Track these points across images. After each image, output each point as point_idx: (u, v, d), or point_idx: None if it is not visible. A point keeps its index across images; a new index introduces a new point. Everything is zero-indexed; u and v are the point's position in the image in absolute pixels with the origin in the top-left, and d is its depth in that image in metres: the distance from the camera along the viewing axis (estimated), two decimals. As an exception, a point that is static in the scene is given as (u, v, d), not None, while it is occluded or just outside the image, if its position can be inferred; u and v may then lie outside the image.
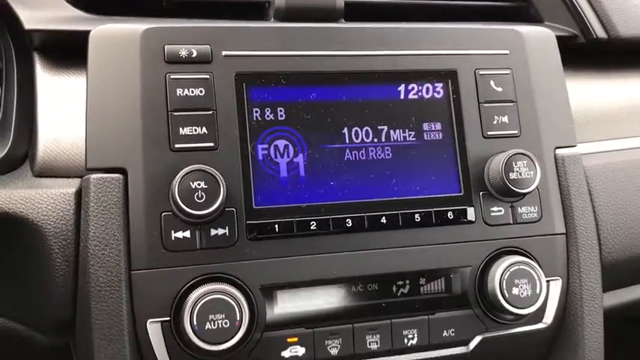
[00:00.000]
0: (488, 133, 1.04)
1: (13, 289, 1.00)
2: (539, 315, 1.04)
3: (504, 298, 0.97)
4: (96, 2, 1.06)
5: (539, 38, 1.12)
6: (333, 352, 0.96)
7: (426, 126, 1.02)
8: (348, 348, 0.96)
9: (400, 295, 0.99)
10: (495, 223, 1.02)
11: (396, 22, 1.08)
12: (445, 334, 1.00)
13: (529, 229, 1.03)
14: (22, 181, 0.95)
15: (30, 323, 1.02)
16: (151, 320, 0.90)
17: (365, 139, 1.00)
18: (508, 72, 1.07)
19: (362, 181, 0.98)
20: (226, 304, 0.87)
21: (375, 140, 1.00)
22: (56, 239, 0.91)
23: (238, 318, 0.87)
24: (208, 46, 0.96)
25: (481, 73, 1.05)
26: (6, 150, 0.97)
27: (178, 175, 0.88)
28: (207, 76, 0.95)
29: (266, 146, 0.96)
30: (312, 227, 0.95)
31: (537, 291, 0.98)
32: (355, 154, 0.99)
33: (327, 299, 0.96)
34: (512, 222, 1.03)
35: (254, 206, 0.93)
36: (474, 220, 1.01)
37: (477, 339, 1.01)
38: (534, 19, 1.29)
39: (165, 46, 0.94)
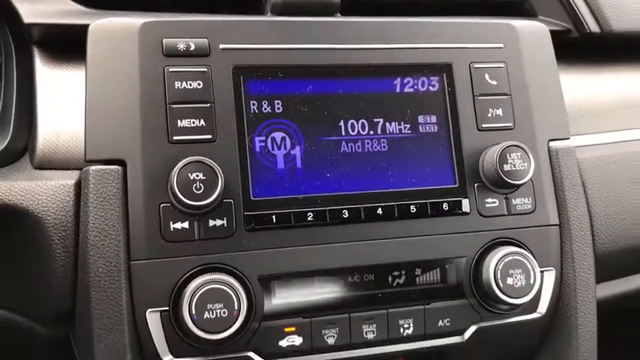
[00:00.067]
0: (483, 125, 1.05)
1: (13, 281, 1.00)
2: (533, 305, 1.05)
3: (499, 288, 0.99)
4: (95, -4, 1.07)
5: (533, 32, 1.13)
6: (330, 341, 0.97)
7: (421, 119, 1.03)
8: (344, 337, 0.98)
9: (396, 286, 1.00)
10: (490, 215, 1.03)
11: (392, 16, 1.09)
12: (440, 323, 1.01)
13: (523, 220, 1.05)
14: (22, 173, 0.96)
15: (30, 315, 1.03)
16: (150, 310, 0.91)
17: (361, 132, 1.01)
18: (502, 65, 1.08)
19: (358, 173, 0.99)
20: (224, 293, 0.88)
21: (371, 133, 1.01)
22: (56, 230, 0.92)
23: (236, 307, 0.89)
24: (206, 39, 0.97)
25: (476, 66, 1.06)
26: (6, 143, 0.98)
27: (177, 167, 0.89)
28: (205, 69, 0.96)
29: (263, 138, 0.97)
30: (309, 218, 0.96)
31: (531, 281, 1.00)
32: (351, 146, 1.00)
33: (324, 289, 0.97)
34: (506, 213, 1.04)
35: (252, 197, 0.94)
36: (468, 211, 1.02)
37: (472, 328, 1.03)
38: (528, 13, 1.30)
39: (164, 40, 0.95)
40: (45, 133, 0.97)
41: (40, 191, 0.92)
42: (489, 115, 1.06)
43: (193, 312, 0.87)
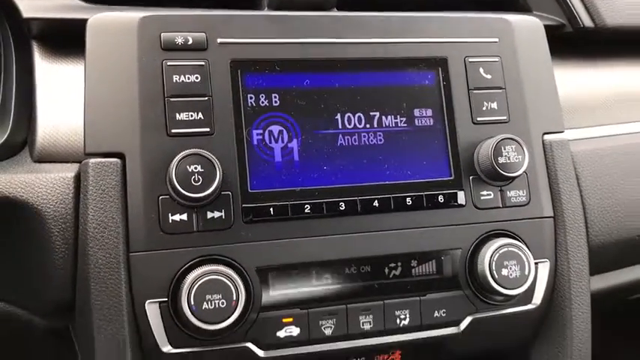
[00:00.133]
0: (478, 119, 1.06)
1: (13, 274, 1.01)
2: (528, 296, 1.06)
3: (494, 279, 1.00)
4: (93, -9, 1.08)
5: (527, 27, 1.14)
6: (327, 332, 0.98)
7: (417, 112, 1.04)
8: (341, 328, 0.99)
9: (392, 277, 1.01)
10: (485, 207, 1.04)
11: (388, 11, 1.10)
12: (436, 314, 1.02)
13: (518, 212, 1.06)
14: (22, 166, 0.96)
15: (30, 307, 1.04)
16: (149, 301, 0.91)
17: (357, 125, 1.02)
18: (497, 59, 1.09)
19: (355, 165, 1.00)
20: (223, 284, 0.89)
21: (368, 126, 1.02)
22: (56, 222, 0.93)
23: (235, 298, 0.89)
24: (204, 33, 0.98)
25: (471, 60, 1.08)
26: (5, 136, 0.99)
27: (175, 159, 0.89)
28: (203, 63, 0.97)
29: (261, 131, 0.98)
30: (306, 210, 0.97)
31: (526, 272, 1.01)
32: (348, 139, 1.01)
33: (321, 281, 0.98)
34: (501, 205, 1.05)
35: (249, 190, 0.95)
36: (464, 203, 1.03)
37: (468, 319, 1.04)
38: (523, 8, 1.31)
39: (162, 34, 0.96)
40: (44, 126, 0.98)
41: (40, 184, 0.93)
42: (484, 108, 1.07)
43: (192, 303, 0.88)
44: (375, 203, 1.00)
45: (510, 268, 1.00)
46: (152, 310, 0.92)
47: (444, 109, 1.05)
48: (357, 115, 1.02)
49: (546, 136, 1.11)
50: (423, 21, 1.08)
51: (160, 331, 0.92)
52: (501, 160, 1.01)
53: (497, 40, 1.10)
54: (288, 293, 0.97)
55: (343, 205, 0.98)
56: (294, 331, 0.97)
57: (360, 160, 1.01)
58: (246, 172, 0.96)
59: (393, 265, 1.01)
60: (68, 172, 0.95)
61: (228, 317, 0.89)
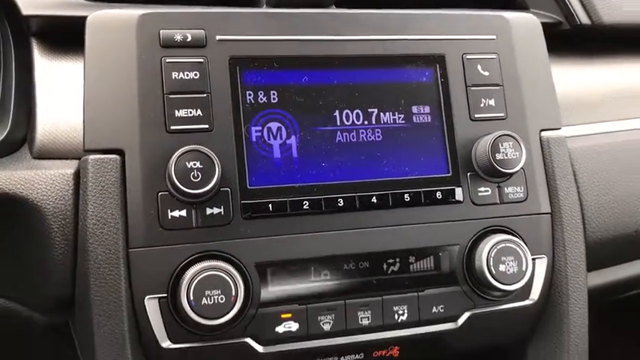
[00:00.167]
0: (476, 115, 1.07)
1: (13, 270, 1.02)
2: (525, 292, 1.07)
3: (491, 275, 1.00)
4: (93, -12, 1.08)
5: (524, 24, 1.15)
6: (326, 327, 0.99)
7: (415, 109, 1.05)
8: (340, 324, 0.99)
9: (390, 273, 1.02)
10: (482, 203, 1.05)
11: (386, 8, 1.11)
12: (434, 310, 1.03)
13: (515, 208, 1.06)
14: (22, 163, 0.97)
15: (30, 303, 1.04)
16: (148, 297, 0.92)
17: (356, 122, 1.02)
18: (494, 56, 1.10)
19: (353, 162, 1.01)
20: (222, 280, 0.90)
21: (366, 123, 1.03)
22: (55, 219, 0.93)
23: (234, 293, 0.90)
24: (203, 30, 0.98)
25: (468, 57, 1.08)
26: (5, 133, 0.99)
27: (175, 155, 0.90)
28: (202, 60, 0.97)
29: (259, 128, 0.98)
30: (304, 207, 0.97)
31: (523, 268, 1.01)
32: (346, 136, 1.01)
33: (319, 276, 0.99)
34: (498, 202, 1.05)
35: (248, 186, 0.96)
36: (461, 200, 1.04)
37: (466, 315, 1.04)
38: (520, 6, 1.32)
39: (161, 31, 0.97)
40: (44, 123, 0.99)
41: (40, 180, 0.93)
42: (482, 105, 1.07)
43: (191, 298, 0.89)
44: (374, 199, 1.00)
45: (508, 264, 1.01)
46: (151, 306, 0.92)
47: (442, 105, 1.05)
48: (355, 112, 1.02)
49: (544, 133, 1.11)
50: (421, 18, 1.08)
51: (159, 326, 0.93)
52: (499, 156, 1.02)
53: (494, 37, 1.11)
54: (287, 289, 0.97)
55: (342, 202, 0.99)
56: (293, 326, 0.98)
57: (358, 157, 1.01)
58: (245, 169, 0.96)
59: (391, 260, 1.02)
60: (68, 168, 0.95)
61: (228, 312, 0.89)
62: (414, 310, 1.02)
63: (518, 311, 1.08)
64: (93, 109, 0.94)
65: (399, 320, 1.02)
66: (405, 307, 1.02)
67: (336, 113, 1.01)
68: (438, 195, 1.03)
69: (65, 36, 1.03)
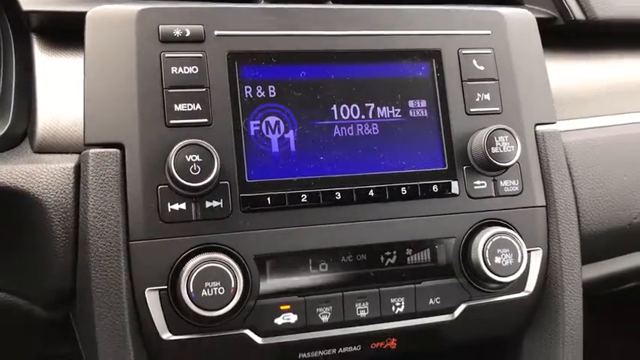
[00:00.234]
0: (471, 110, 1.08)
1: (14, 264, 1.03)
2: (521, 284, 1.08)
3: (487, 267, 1.01)
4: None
5: (519, 20, 1.16)
6: (324, 319, 1.00)
7: (411, 103, 1.06)
8: (338, 315, 1.00)
9: (388, 265, 1.03)
10: (478, 196, 1.06)
11: (383, 4, 1.12)
12: (431, 302, 1.04)
13: (510, 201, 1.08)
14: (22, 157, 0.98)
15: (30, 297, 1.05)
16: (149, 289, 0.93)
17: (353, 116, 1.03)
18: (490, 51, 1.11)
19: (350, 156, 1.02)
20: (221, 272, 0.91)
21: (363, 117, 1.04)
22: (56, 212, 0.94)
23: (233, 285, 0.91)
24: (201, 26, 0.99)
25: (464, 52, 1.09)
26: (6, 128, 1.00)
27: (174, 149, 0.91)
28: (201, 55, 0.98)
29: (258, 122, 0.99)
30: (302, 200, 0.98)
31: (519, 260, 1.02)
32: (344, 130, 1.03)
33: (317, 269, 1.00)
34: (494, 195, 1.07)
35: (247, 180, 0.97)
36: (457, 193, 1.05)
37: (462, 307, 1.05)
38: (515, 1, 1.33)
39: (160, 26, 0.97)
40: (44, 118, 0.99)
41: (41, 174, 0.94)
42: (477, 99, 1.08)
43: (191, 290, 0.90)
44: (371, 193, 1.01)
45: (503, 256, 1.02)
46: (152, 298, 0.93)
47: (438, 100, 1.07)
48: (352, 107, 1.03)
49: (538, 127, 1.13)
50: (417, 14, 1.09)
51: (159, 318, 0.94)
52: (494, 150, 1.03)
53: (489, 32, 1.12)
54: (286, 281, 0.98)
55: (339, 195, 1.00)
56: (292, 318, 0.99)
57: (355, 151, 1.02)
58: (244, 163, 0.97)
59: (388, 253, 1.03)
60: (68, 162, 0.96)
61: (227, 304, 0.90)
62: (411, 302, 1.03)
63: (513, 303, 1.09)
64: (93, 103, 0.95)
65: (396, 312, 1.03)
66: (402, 298, 1.03)
67: (334, 108, 1.02)
68: (435, 188, 1.04)
69: (65, 31, 1.04)
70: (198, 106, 0.96)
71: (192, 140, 0.92)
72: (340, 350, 1.04)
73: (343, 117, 1.03)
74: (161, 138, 0.94)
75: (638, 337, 1.84)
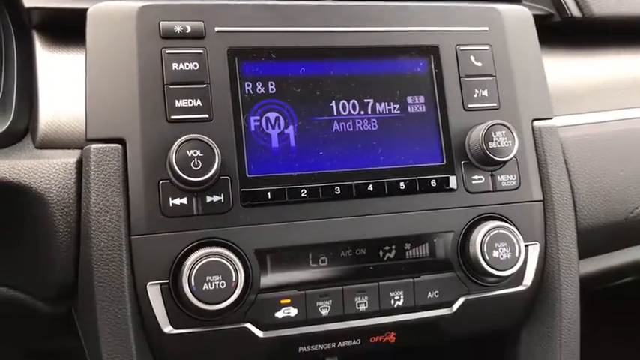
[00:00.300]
0: (469, 105, 1.09)
1: (16, 258, 1.03)
2: (518, 278, 1.09)
3: (485, 261, 1.02)
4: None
5: (517, 16, 1.17)
6: (324, 312, 1.01)
7: (410, 99, 1.07)
8: (338, 309, 1.01)
9: (387, 259, 1.04)
10: (476, 191, 1.07)
11: (382, 0, 1.13)
12: (430, 295, 1.05)
13: (508, 196, 1.09)
14: (25, 152, 0.98)
15: (33, 291, 1.06)
16: (150, 283, 0.94)
17: (352, 112, 1.04)
18: (487, 48, 1.12)
19: (350, 151, 1.03)
20: (222, 266, 0.92)
21: (362, 113, 1.05)
22: (58, 207, 0.95)
23: (234, 279, 0.92)
24: (202, 22, 1.00)
25: (462, 48, 1.10)
26: (8, 124, 1.01)
27: (175, 144, 0.92)
28: (201, 51, 0.99)
29: (258, 118, 1.00)
30: (302, 195, 0.99)
31: (516, 254, 1.03)
32: (343, 125, 1.04)
33: (317, 263, 1.01)
34: (492, 190, 1.08)
35: (247, 175, 0.98)
36: (455, 188, 1.06)
37: (460, 300, 1.06)
38: (512, -1, 1.34)
39: (161, 23, 0.98)
40: (46, 114, 1.00)
41: (43, 169, 0.95)
42: (475, 95, 1.09)
43: (192, 284, 0.90)
44: (370, 188, 1.02)
45: (501, 250, 1.03)
46: (153, 292, 0.94)
47: (436, 96, 1.08)
48: (351, 102, 1.04)
49: (535, 123, 1.14)
50: (416, 10, 1.10)
51: (161, 312, 0.94)
52: (492, 145, 1.04)
53: (487, 28, 1.13)
54: (286, 275, 0.99)
55: (339, 190, 1.01)
56: (292, 311, 1.00)
57: (354, 146, 1.03)
58: (244, 158, 0.98)
59: (387, 247, 1.04)
60: (70, 157, 0.97)
61: (228, 298, 0.91)
62: (410, 296, 1.04)
63: (511, 297, 1.10)
64: (95, 99, 0.96)
65: (395, 305, 1.04)
66: (400, 292, 1.04)
67: (333, 103, 1.03)
68: (433, 183, 1.05)
69: (66, 28, 1.04)
70: (199, 102, 0.97)
71: (194, 135, 0.93)
72: (340, 344, 1.05)
73: (342, 112, 1.04)
74: (162, 133, 0.95)
75: (635, 331, 1.86)
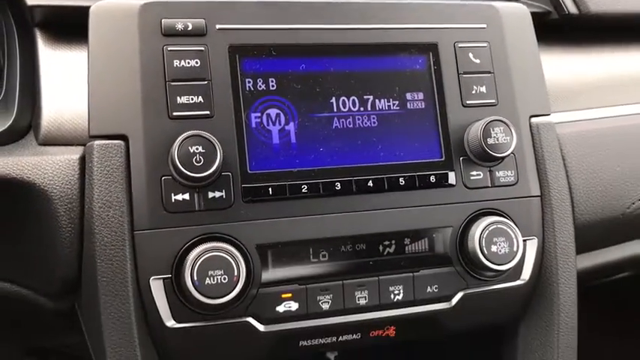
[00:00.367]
0: (468, 102, 1.10)
1: (20, 254, 1.04)
2: (516, 272, 1.10)
3: (484, 256, 1.03)
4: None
5: (514, 14, 1.18)
6: (325, 307, 1.02)
7: (409, 95, 1.08)
8: (338, 303, 1.02)
9: (386, 254, 1.05)
10: (474, 187, 1.08)
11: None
12: (429, 290, 1.06)
13: (506, 191, 1.10)
14: (28, 149, 0.99)
15: (36, 287, 1.06)
16: (153, 277, 0.95)
17: (352, 108, 1.05)
18: (485, 45, 1.13)
19: (350, 147, 1.04)
20: (224, 260, 0.93)
21: (362, 109, 1.06)
22: (62, 202, 0.96)
23: (236, 274, 0.93)
24: (203, 19, 1.01)
25: (460, 45, 1.11)
26: (11, 121, 1.02)
27: (178, 140, 0.92)
28: (202, 48, 1.00)
29: (259, 114, 1.01)
30: (303, 190, 1.00)
31: (514, 249, 1.04)
32: (343, 122, 1.05)
33: (318, 258, 1.02)
34: (490, 185, 1.09)
35: (249, 171, 0.99)
36: (454, 183, 1.07)
37: (459, 295, 1.08)
38: (510, -4, 1.35)
39: (163, 20, 0.99)
40: (49, 111, 1.01)
41: (46, 165, 0.96)
42: (473, 92, 1.10)
43: (195, 278, 0.91)
44: (370, 183, 1.03)
45: (499, 245, 1.04)
46: (156, 287, 0.95)
47: (435, 92, 1.09)
48: (351, 99, 1.05)
49: (533, 119, 1.15)
50: (415, 8, 1.11)
51: (164, 306, 0.95)
52: (490, 141, 1.05)
53: (485, 26, 1.14)
54: (287, 269, 1.00)
55: (339, 185, 1.02)
56: (293, 306, 1.01)
57: (354, 142, 1.04)
58: (245, 154, 0.99)
59: (387, 242, 1.05)
60: (73, 154, 0.98)
61: (230, 292, 0.92)
62: (409, 290, 1.05)
63: (509, 291, 1.11)
64: (97, 96, 0.97)
65: (395, 300, 1.05)
66: (400, 286, 1.05)
67: (333, 100, 1.04)
68: (432, 179, 1.06)
69: (68, 26, 1.05)
70: (201, 99, 0.98)
71: (196, 132, 0.93)
72: (340, 338, 1.07)
73: (342, 109, 1.05)
74: (164, 130, 0.96)
75: (631, 326, 1.87)
